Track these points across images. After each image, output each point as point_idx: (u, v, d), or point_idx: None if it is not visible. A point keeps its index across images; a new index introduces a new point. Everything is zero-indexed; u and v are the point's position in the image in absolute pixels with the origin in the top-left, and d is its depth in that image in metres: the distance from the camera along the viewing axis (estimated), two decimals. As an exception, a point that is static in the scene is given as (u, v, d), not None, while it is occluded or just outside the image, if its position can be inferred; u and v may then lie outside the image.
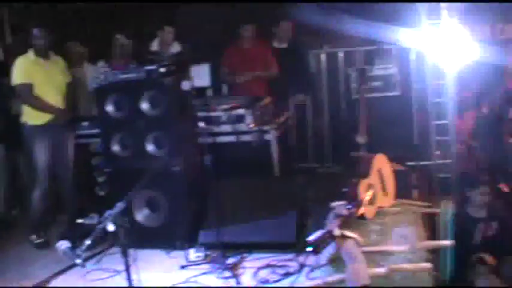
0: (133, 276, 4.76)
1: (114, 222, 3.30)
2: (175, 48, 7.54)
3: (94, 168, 6.69)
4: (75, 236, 4.79)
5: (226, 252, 5.09)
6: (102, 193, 6.55)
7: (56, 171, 6.26)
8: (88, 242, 3.30)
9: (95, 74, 7.42)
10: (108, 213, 3.34)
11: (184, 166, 5.58)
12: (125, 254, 3.34)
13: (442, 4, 6.85)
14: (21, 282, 5.22)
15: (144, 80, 5.66)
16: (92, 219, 6.20)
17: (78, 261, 3.21)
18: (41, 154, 6.08)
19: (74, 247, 3.33)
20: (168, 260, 5.41)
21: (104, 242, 4.51)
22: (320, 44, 8.46)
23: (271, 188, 5.67)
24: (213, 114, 6.14)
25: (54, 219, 6.60)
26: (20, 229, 6.63)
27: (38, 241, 6.19)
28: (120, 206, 3.37)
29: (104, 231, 3.32)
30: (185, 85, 5.25)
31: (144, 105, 5.62)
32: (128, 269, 3.36)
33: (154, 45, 7.65)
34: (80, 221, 6.26)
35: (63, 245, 3.27)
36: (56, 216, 6.63)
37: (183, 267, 5.15)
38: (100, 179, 6.53)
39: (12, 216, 7.12)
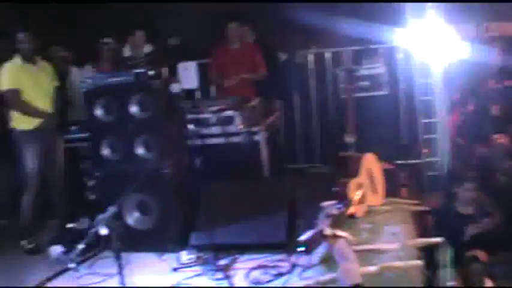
0: (128, 279, 4.81)
1: (107, 226, 3.29)
2: (147, 49, 7.53)
3: (83, 173, 6.69)
4: (67, 240, 4.81)
5: (217, 253, 5.09)
6: (92, 197, 6.53)
7: (46, 176, 6.24)
8: (81, 246, 3.30)
9: (82, 78, 7.45)
10: (100, 217, 3.33)
11: (173, 168, 5.57)
12: (118, 258, 3.34)
13: (428, 3, 6.90)
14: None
15: (132, 83, 5.66)
16: (83, 224, 6.18)
17: (72, 265, 3.21)
18: (30, 159, 6.07)
19: (66, 252, 3.32)
20: (159, 262, 5.39)
21: (96, 246, 4.50)
22: (307, 45, 8.49)
23: (261, 188, 5.67)
24: (202, 116, 6.13)
25: (44, 225, 6.58)
26: (10, 235, 6.61)
27: (29, 246, 6.16)
28: (112, 209, 3.37)
29: (97, 235, 3.32)
30: (174, 87, 5.25)
31: (133, 109, 5.61)
32: (121, 273, 3.35)
33: (126, 51, 7.64)
34: (70, 225, 6.24)
35: (56, 249, 3.28)
36: (45, 221, 6.60)
37: (175, 269, 5.13)
38: (89, 183, 6.52)
39: (1, 223, 7.10)
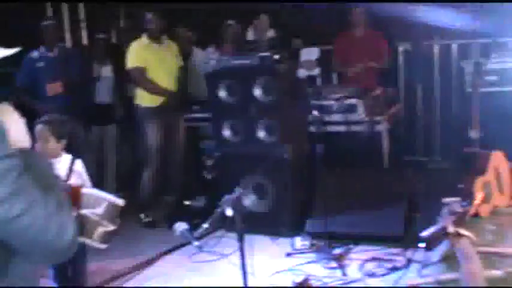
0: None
1: (232, 207, 3.29)
2: (271, 34, 7.54)
3: (202, 152, 6.80)
4: (185, 217, 4.89)
5: (332, 242, 5.04)
6: (209, 176, 6.63)
7: (167, 152, 6.38)
8: (206, 225, 3.32)
9: (205, 59, 7.55)
10: (227, 197, 3.34)
11: (293, 154, 5.56)
12: (241, 240, 3.33)
13: None
14: (129, 259, 5.36)
15: (257, 66, 5.66)
16: (199, 202, 6.30)
17: (196, 243, 3.23)
18: (152, 136, 6.23)
19: (191, 229, 3.35)
20: (273, 246, 5.41)
21: (218, 226, 4.53)
22: (432, 36, 8.22)
23: (380, 179, 5.56)
24: (324, 103, 6.06)
25: (161, 200, 6.74)
26: (129, 207, 6.79)
27: (146, 220, 6.35)
28: (238, 191, 3.36)
29: (222, 215, 3.33)
30: (300, 73, 5.21)
31: (257, 92, 5.62)
32: (243, 255, 3.35)
33: (250, 34, 7.66)
34: (187, 202, 6.37)
35: (181, 226, 3.30)
36: (162, 196, 6.77)
37: (288, 254, 5.14)
38: (208, 163, 6.62)
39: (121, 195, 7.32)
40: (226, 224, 3.40)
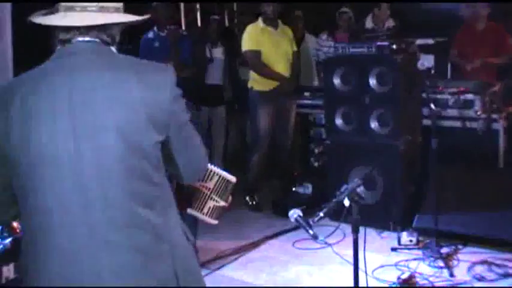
0: (344, 252, 4.81)
1: (349, 198, 3.25)
2: (390, 23, 7.39)
3: (311, 139, 6.77)
4: (289, 203, 4.88)
5: (440, 240, 4.91)
6: (316, 164, 6.61)
7: (276, 137, 6.39)
8: (321, 213, 3.29)
9: (317, 45, 7.50)
10: (345, 187, 3.30)
11: (406, 147, 5.44)
12: (355, 232, 3.29)
13: None
14: (233, 241, 5.42)
15: (374, 56, 5.57)
16: (306, 189, 6.28)
17: (311, 232, 3.20)
18: (263, 120, 6.23)
19: (305, 217, 3.32)
20: (378, 240, 5.34)
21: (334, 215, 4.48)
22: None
23: (494, 179, 5.34)
24: (439, 96, 5.88)
25: (268, 184, 6.77)
26: (235, 189, 6.85)
27: (251, 203, 6.39)
28: (357, 182, 3.31)
29: (339, 205, 3.28)
30: (421, 64, 5.07)
31: (373, 81, 5.53)
32: (356, 247, 3.30)
33: (369, 22, 7.53)
34: (294, 189, 6.37)
35: (296, 213, 3.28)
36: (269, 181, 6.80)
37: (393, 249, 5.05)
38: (316, 150, 6.59)
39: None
40: (341, 214, 3.35)
